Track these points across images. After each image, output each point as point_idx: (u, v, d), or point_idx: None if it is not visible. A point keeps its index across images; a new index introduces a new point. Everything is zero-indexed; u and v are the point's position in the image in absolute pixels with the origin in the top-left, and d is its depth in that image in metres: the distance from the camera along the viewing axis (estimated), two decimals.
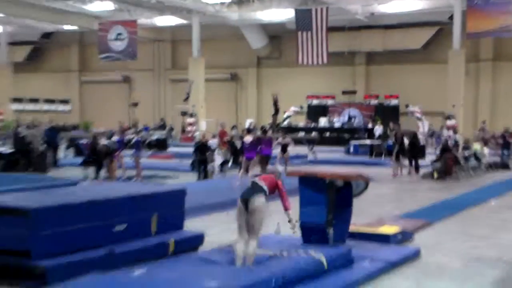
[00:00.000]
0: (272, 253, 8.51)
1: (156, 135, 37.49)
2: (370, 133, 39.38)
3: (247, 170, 19.05)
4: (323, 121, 43.65)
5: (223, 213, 12.31)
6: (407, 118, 40.93)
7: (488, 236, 11.95)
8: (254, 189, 8.17)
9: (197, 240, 10.14)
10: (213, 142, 22.38)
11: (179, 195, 10.60)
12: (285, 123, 42.85)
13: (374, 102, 44.81)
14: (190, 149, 23.22)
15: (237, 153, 22.35)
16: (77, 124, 49.23)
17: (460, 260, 9.86)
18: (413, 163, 23.87)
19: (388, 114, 41.34)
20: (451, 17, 38.09)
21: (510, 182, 21.62)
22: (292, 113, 44.17)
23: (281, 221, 11.10)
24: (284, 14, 41.49)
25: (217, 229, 11.19)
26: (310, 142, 33.24)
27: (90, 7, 42.94)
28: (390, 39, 44.77)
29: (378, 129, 37.88)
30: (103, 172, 19.58)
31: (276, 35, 48.25)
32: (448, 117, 35.76)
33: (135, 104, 47.64)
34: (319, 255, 8.37)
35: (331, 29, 38.62)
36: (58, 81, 56.06)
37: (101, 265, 8.29)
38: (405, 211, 14.48)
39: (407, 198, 18.04)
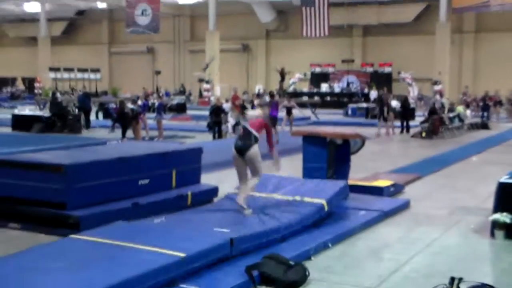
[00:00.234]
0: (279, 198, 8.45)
1: (176, 100, 37.37)
2: (366, 97, 39.16)
3: None
4: (324, 87, 43.49)
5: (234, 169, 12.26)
6: (399, 84, 40.81)
7: (470, 188, 11.88)
8: (246, 139, 8.00)
9: (212, 192, 10.10)
10: (226, 106, 22.27)
11: (196, 153, 10.53)
12: (291, 88, 42.73)
13: (370, 69, 44.72)
14: (206, 112, 23.12)
15: None
16: (106, 90, 49.21)
17: (446, 209, 9.80)
18: (405, 123, 23.77)
19: (382, 80, 41.15)
20: None
21: (489, 141, 21.49)
22: (297, 79, 44.12)
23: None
24: None
25: (230, 184, 11.14)
26: (313, 106, 33.11)
27: None
28: (384, 13, 44.39)
29: (373, 94, 37.65)
30: (129, 133, 19.56)
31: (283, 10, 47.90)
32: (435, 83, 35.53)
33: (158, 72, 47.58)
34: (321, 201, 8.29)
35: (331, 5, 38.51)
36: (90, 52, 55.93)
37: (128, 215, 8.29)
38: (397, 167, 14.39)
39: (399, 155, 17.97)
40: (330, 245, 7.45)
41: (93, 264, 5.58)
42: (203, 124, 23.28)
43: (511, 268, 6.83)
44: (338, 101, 40.37)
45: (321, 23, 38.04)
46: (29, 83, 52.80)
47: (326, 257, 7.09)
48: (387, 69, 43.80)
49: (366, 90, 41.38)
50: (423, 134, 22.00)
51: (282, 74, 40.61)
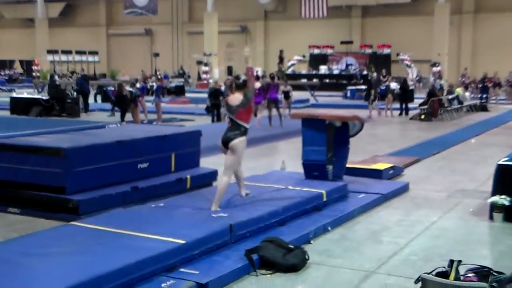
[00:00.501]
0: (278, 187, 8.47)
1: (175, 82, 37.28)
2: (365, 79, 39.07)
3: (255, 114, 18.90)
4: (323, 69, 43.34)
5: None
6: (398, 65, 40.72)
7: (469, 170, 11.88)
8: (233, 130, 7.45)
9: (211, 176, 10.10)
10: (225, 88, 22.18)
11: (195, 136, 10.51)
12: (290, 70, 42.64)
13: (368, 51, 44.64)
14: (205, 95, 23.05)
15: None
16: (104, 73, 49.07)
17: (445, 192, 9.81)
18: (403, 106, 23.73)
19: (381, 62, 41.03)
20: None
21: (487, 123, 21.48)
22: (295, 61, 44.01)
23: (286, 159, 11.11)
24: None
25: None
26: (312, 88, 33.04)
27: None
28: None
29: (375, 76, 37.50)
30: (128, 116, 19.50)
31: None
32: (434, 64, 35.48)
33: (156, 55, 47.42)
34: (321, 191, 8.32)
35: None
36: (87, 34, 55.73)
37: (127, 199, 8.29)
38: (396, 149, 14.39)
39: (397, 137, 17.95)
40: (329, 228, 7.47)
41: (93, 249, 5.58)
42: (202, 107, 23.24)
43: (509, 250, 6.85)
44: (336, 83, 40.20)
45: (320, 4, 37.97)
46: (27, 65, 52.62)
47: (325, 240, 7.11)
48: (386, 51, 43.66)
49: (365, 72, 41.29)
50: (422, 117, 21.99)
51: (281, 57, 40.56)
